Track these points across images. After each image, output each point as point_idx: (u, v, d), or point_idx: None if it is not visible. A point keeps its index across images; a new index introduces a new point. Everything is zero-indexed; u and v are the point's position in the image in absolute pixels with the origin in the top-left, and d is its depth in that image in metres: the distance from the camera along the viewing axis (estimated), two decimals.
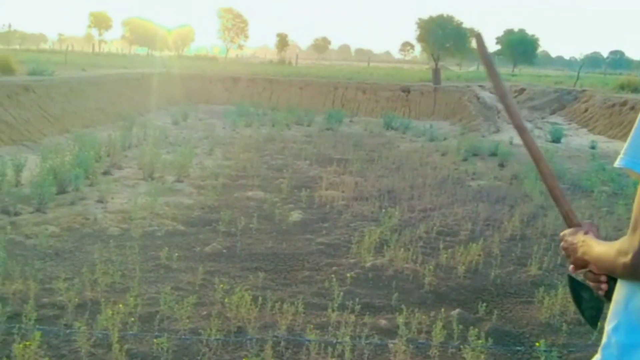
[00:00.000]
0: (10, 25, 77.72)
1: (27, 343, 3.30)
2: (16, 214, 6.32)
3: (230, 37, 63.55)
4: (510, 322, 4.39)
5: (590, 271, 1.40)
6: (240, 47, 66.87)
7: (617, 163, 1.22)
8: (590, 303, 1.47)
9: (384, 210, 7.00)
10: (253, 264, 5.37)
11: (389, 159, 11.31)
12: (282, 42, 62.10)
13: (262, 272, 5.06)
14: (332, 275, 4.90)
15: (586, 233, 1.44)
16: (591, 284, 1.43)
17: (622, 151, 1.22)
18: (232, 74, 24.88)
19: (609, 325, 1.30)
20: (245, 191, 8.10)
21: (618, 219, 7.13)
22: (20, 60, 16.51)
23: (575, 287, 1.52)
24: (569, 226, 1.53)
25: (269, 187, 8.41)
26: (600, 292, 1.41)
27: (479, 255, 5.66)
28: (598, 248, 1.34)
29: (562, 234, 1.52)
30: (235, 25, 65.01)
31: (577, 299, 1.51)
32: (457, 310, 4.46)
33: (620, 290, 1.28)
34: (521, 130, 1.61)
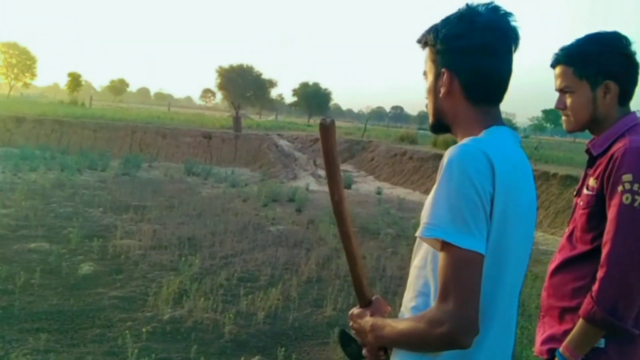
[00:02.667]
0: None
1: None
2: None
3: (14, 74, 58.16)
4: None
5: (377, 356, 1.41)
6: (26, 85, 61.47)
7: (425, 234, 1.22)
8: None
9: (183, 258, 6.81)
10: (34, 324, 4.80)
11: (190, 205, 11.11)
12: (75, 81, 58.32)
13: (44, 333, 4.54)
14: (127, 332, 4.58)
15: (372, 314, 1.43)
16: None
17: (425, 222, 1.22)
18: (15, 113, 22.60)
19: None
20: (27, 243, 7.28)
21: (401, 258, 7.82)
22: None
23: (346, 342, 1.52)
24: (360, 302, 1.50)
25: (55, 237, 7.68)
26: None
27: (278, 299, 5.76)
28: (399, 326, 1.29)
29: (350, 313, 1.50)
30: (21, 61, 59.80)
31: (350, 354, 1.51)
32: (257, 357, 4.45)
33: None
34: (346, 238, 1.49)
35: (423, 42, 1.43)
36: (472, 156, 1.21)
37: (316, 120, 66.40)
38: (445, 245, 1.18)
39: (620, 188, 1.67)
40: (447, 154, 1.23)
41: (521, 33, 1.37)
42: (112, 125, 22.30)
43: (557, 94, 1.98)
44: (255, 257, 7.53)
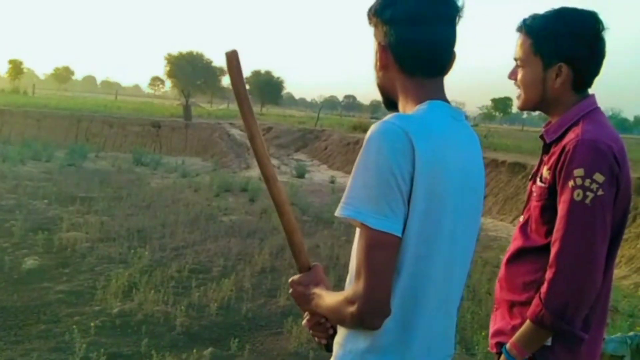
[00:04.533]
0: None
1: None
2: None
3: None
4: (262, 355, 4.48)
5: (318, 322, 1.41)
6: None
7: (340, 212, 1.21)
8: None
9: (132, 250, 6.65)
10: None
11: (139, 196, 10.86)
12: (16, 69, 56.16)
13: None
14: (74, 327, 4.44)
15: (317, 284, 1.42)
16: (313, 333, 1.45)
17: (342, 200, 1.21)
18: None
19: None
20: None
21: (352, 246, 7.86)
22: None
23: None
24: (300, 269, 1.48)
25: None
26: (323, 342, 1.43)
27: (231, 290, 5.70)
28: (327, 300, 1.32)
29: (290, 280, 1.47)
30: None
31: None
32: (210, 349, 4.40)
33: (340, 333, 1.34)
34: (271, 180, 1.48)
35: (367, 19, 1.40)
36: (390, 134, 1.17)
37: (269, 110, 66.16)
38: (360, 225, 1.19)
39: (571, 183, 1.57)
40: (369, 130, 1.21)
41: (462, 1, 1.31)
42: (56, 114, 21.57)
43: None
44: (208, 248, 7.44)
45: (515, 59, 1.81)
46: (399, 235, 1.18)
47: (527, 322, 1.64)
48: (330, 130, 26.81)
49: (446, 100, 1.33)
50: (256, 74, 71.70)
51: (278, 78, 72.94)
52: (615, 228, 1.64)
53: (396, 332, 1.24)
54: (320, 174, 18.60)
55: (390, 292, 1.19)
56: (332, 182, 16.15)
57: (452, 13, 1.30)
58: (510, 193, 13.24)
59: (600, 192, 1.55)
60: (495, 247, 9.33)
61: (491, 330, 1.87)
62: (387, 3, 1.31)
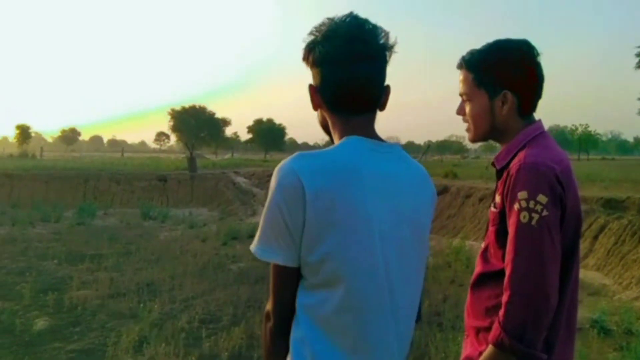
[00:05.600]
0: None
1: None
2: None
3: None
4: None
5: None
6: None
7: (252, 248, 1.35)
8: None
9: (142, 304, 6.68)
10: None
11: (147, 250, 10.93)
12: (24, 133, 57.18)
13: None
14: None
15: None
16: None
17: (255, 238, 1.35)
18: None
19: None
20: None
21: None
22: None
23: None
24: None
25: (8, 294, 7.43)
26: None
27: (242, 338, 5.70)
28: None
29: None
30: None
31: None
32: None
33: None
34: None
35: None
36: (281, 174, 1.29)
37: (273, 156, 66.63)
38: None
39: (516, 206, 1.60)
40: (274, 172, 1.33)
41: (386, 39, 1.36)
42: (63, 175, 21.87)
43: None
44: (217, 297, 7.45)
45: (461, 95, 1.87)
46: (291, 265, 1.31)
47: (490, 346, 1.64)
48: None
49: (371, 135, 1.40)
50: (258, 122, 72.53)
51: (280, 124, 73.73)
52: (567, 247, 1.66)
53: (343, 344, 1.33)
54: None
55: (287, 314, 1.35)
56: None
57: (371, 52, 1.36)
58: None
59: (545, 213, 1.58)
60: None
61: (462, 357, 1.87)
62: (310, 47, 1.40)
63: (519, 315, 1.57)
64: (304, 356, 1.33)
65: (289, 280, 1.34)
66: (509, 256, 1.62)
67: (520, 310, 1.57)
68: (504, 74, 1.76)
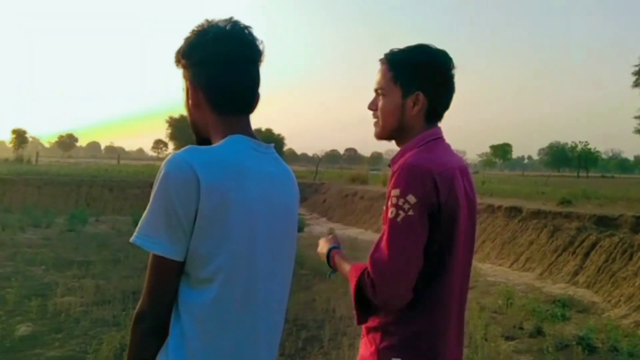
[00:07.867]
0: None
1: None
2: None
3: None
4: None
5: None
6: None
7: (133, 239, 1.32)
8: None
9: (126, 312, 6.62)
10: None
11: (136, 257, 10.85)
12: (20, 138, 57.11)
13: None
14: None
15: None
16: None
17: (139, 228, 1.32)
18: None
19: None
20: None
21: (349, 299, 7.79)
22: None
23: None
24: None
25: None
26: None
27: None
28: None
29: None
30: None
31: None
32: None
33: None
34: None
35: (175, 61, 1.50)
36: (173, 166, 1.28)
37: None
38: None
39: (389, 202, 1.68)
40: (162, 164, 1.32)
41: (262, 46, 1.43)
42: (56, 180, 21.79)
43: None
44: None
45: (376, 90, 1.92)
46: (177, 259, 1.29)
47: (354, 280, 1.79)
48: (329, 183, 26.97)
49: (252, 135, 1.46)
50: (256, 132, 72.18)
51: (279, 135, 73.76)
52: (438, 251, 1.71)
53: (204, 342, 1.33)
54: (319, 226, 18.61)
55: (169, 308, 1.33)
56: (330, 234, 16.12)
57: (254, 56, 1.43)
58: (507, 237, 13.17)
59: (410, 213, 1.64)
60: (493, 292, 9.23)
61: (357, 358, 1.91)
62: (194, 45, 1.42)
63: (368, 290, 1.70)
64: (184, 355, 1.31)
65: (171, 276, 1.31)
66: (378, 241, 1.70)
67: (369, 290, 1.69)
68: (421, 75, 1.82)
